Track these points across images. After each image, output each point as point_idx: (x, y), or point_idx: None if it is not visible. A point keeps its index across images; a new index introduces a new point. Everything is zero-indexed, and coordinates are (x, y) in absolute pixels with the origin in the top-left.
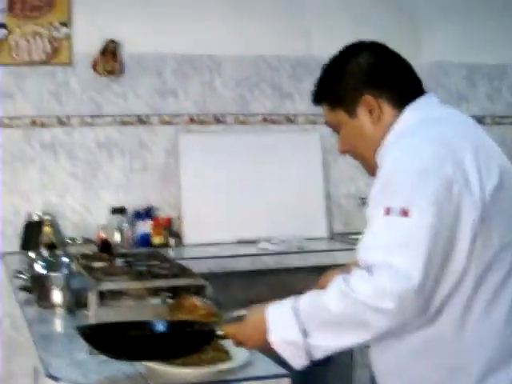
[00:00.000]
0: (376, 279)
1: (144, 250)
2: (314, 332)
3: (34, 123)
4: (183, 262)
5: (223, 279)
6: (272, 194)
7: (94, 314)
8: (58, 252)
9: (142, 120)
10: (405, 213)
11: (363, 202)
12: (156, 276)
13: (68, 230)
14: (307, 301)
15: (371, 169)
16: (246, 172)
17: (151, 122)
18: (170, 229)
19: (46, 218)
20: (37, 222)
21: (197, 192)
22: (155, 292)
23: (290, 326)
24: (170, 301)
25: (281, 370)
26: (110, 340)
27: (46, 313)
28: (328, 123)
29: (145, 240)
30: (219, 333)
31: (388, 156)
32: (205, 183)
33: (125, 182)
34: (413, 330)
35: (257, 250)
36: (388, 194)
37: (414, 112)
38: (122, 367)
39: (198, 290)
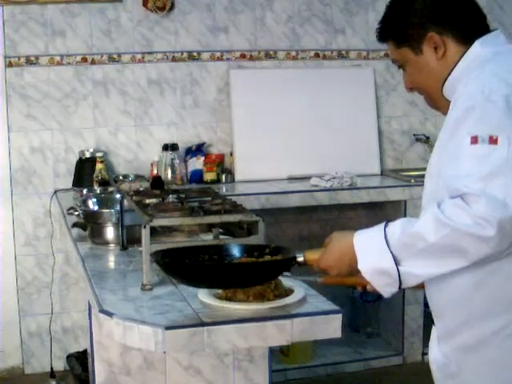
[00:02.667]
0: (473, 207)
1: (196, 187)
2: (407, 261)
3: (84, 60)
4: (235, 199)
5: (275, 215)
6: (324, 130)
7: (146, 250)
8: (111, 189)
9: (192, 56)
10: (494, 140)
11: (416, 138)
12: (208, 212)
13: (120, 167)
14: (399, 229)
15: (437, 104)
16: (297, 108)
17: (202, 58)
18: (221, 165)
19: (99, 154)
20: (89, 158)
21: (248, 128)
22: (207, 228)
23: (382, 255)
24: (223, 237)
25: (333, 307)
26: (188, 268)
27: (99, 249)
28: (394, 60)
29: (197, 176)
30: (300, 259)
31: (467, 85)
32: (256, 119)
33: (176, 118)
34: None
35: (308, 186)
36: (473, 121)
37: (484, 46)
38: (175, 303)
39: (251, 226)
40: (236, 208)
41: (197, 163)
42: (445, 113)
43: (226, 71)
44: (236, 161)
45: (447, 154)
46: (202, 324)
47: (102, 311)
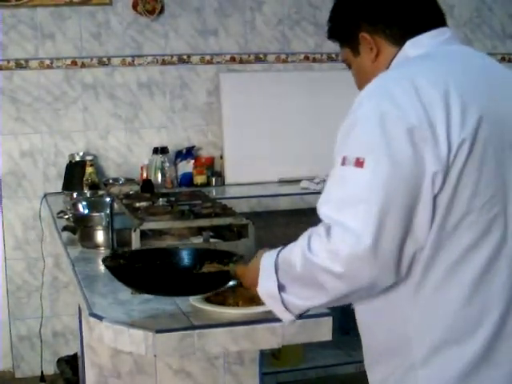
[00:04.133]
0: (330, 240)
1: (186, 190)
2: (289, 287)
3: (74, 64)
4: (225, 202)
5: (265, 218)
6: (314, 132)
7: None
8: (101, 192)
9: (182, 59)
10: (359, 163)
11: None
12: (198, 215)
13: (110, 171)
14: (284, 255)
15: None
16: (288, 111)
17: (192, 61)
18: (211, 168)
19: (88, 158)
20: (79, 162)
21: (238, 131)
22: (198, 231)
23: (270, 278)
24: (213, 240)
25: (324, 310)
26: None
27: (89, 252)
28: (342, 60)
29: (187, 180)
30: (228, 269)
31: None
32: (246, 122)
33: (167, 121)
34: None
35: (299, 189)
36: (346, 141)
37: (412, 48)
38: (166, 306)
39: (241, 229)
40: (226, 211)
41: (187, 166)
42: None
43: (216, 74)
44: (226, 164)
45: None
46: (193, 327)
47: (92, 315)
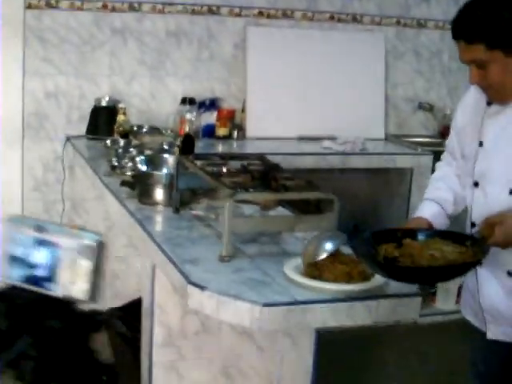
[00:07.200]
0: None
1: (252, 154)
2: None
3: (105, 7)
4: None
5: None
6: (333, 91)
7: (228, 223)
8: (134, 142)
9: (212, 10)
10: None
11: (419, 105)
12: (289, 189)
13: (133, 117)
14: None
15: (507, 98)
16: (311, 68)
17: (221, 12)
18: (232, 121)
19: (121, 106)
20: (106, 107)
21: (262, 85)
22: (278, 202)
23: None
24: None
25: (414, 290)
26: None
27: (147, 209)
28: (472, 60)
29: (209, 131)
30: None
31: None
32: (270, 77)
33: (191, 71)
34: None
35: (319, 148)
36: None
37: None
38: (261, 277)
39: (319, 203)
40: (311, 185)
41: (210, 118)
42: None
43: (243, 28)
44: (248, 117)
45: None
46: (297, 302)
47: (192, 283)
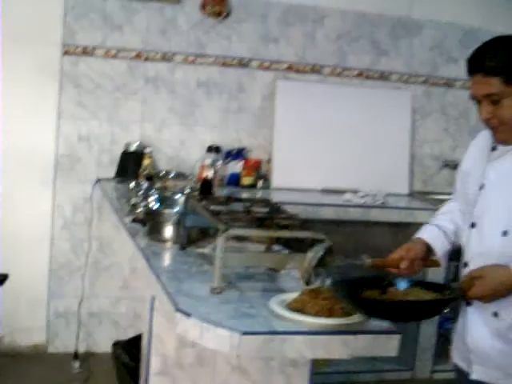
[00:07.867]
0: None
1: (256, 198)
2: None
3: (138, 56)
4: None
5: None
6: (359, 146)
7: (220, 256)
8: (158, 185)
9: (242, 63)
10: None
11: (445, 164)
12: (280, 227)
13: (161, 163)
14: None
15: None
16: (337, 123)
17: (251, 65)
18: (258, 171)
19: (148, 150)
20: (135, 152)
21: (289, 137)
22: (273, 240)
23: None
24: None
25: (393, 328)
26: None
27: (156, 246)
28: (488, 94)
29: (234, 179)
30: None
31: None
32: (297, 130)
33: (220, 121)
34: None
35: (341, 200)
36: None
37: None
38: (247, 309)
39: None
40: (303, 224)
41: (236, 167)
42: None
43: (273, 80)
44: (273, 167)
45: None
46: (275, 332)
47: (179, 310)
